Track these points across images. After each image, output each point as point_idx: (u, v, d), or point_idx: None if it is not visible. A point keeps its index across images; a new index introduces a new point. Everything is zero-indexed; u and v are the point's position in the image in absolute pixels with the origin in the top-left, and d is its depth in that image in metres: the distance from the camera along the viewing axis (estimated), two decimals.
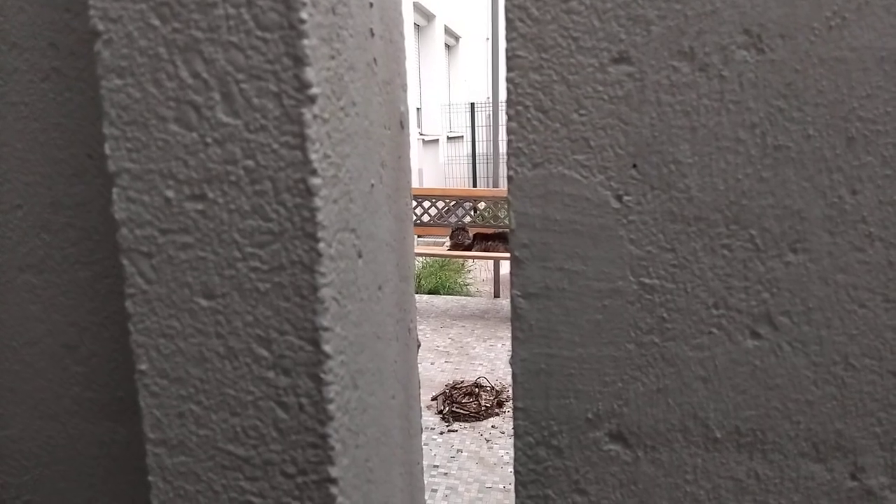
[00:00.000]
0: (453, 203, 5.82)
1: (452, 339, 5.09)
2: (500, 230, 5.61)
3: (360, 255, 0.59)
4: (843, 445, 0.66)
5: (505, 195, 5.77)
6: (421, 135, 11.75)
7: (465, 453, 3.61)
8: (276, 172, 0.49)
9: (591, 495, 0.71)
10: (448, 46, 14.19)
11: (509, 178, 0.67)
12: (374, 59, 0.65)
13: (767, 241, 0.64)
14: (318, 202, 0.49)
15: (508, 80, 0.65)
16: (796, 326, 0.65)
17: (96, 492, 0.83)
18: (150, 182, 0.51)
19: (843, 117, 0.61)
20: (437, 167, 12.75)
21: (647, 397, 0.68)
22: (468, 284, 7.07)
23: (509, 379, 4.47)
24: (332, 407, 0.53)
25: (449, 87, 14.23)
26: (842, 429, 0.66)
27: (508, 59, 0.65)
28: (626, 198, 0.65)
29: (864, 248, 0.63)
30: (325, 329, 0.52)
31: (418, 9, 11.41)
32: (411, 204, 0.84)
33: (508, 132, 0.66)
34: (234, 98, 0.49)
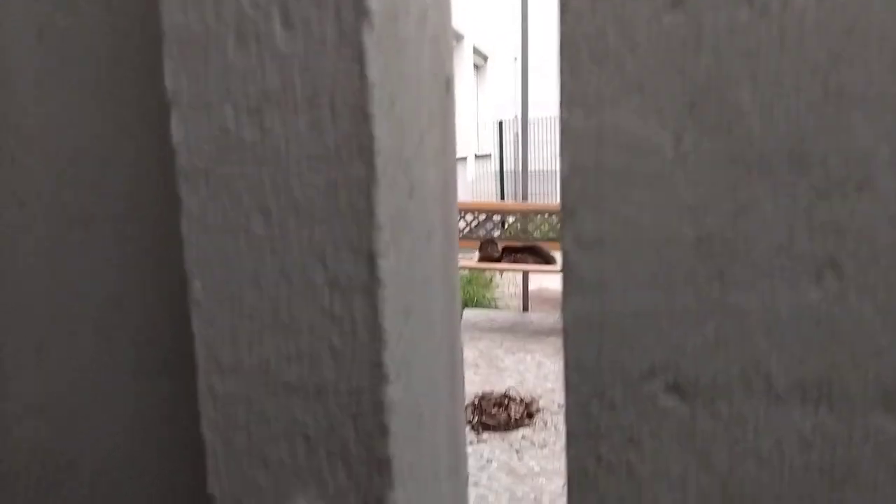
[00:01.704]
0: (483, 217, 5.82)
1: (481, 352, 5.06)
2: (529, 243, 5.59)
3: (410, 195, 0.59)
4: None
5: (534, 209, 5.76)
6: None
7: (494, 463, 3.56)
8: (334, 95, 0.50)
9: (646, 450, 0.69)
10: (476, 66, 14.31)
11: (562, 125, 0.66)
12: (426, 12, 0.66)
13: (831, 184, 0.62)
14: (374, 126, 0.49)
15: (561, 25, 0.65)
16: (862, 272, 0.63)
17: (139, 448, 0.83)
18: (208, 105, 0.52)
19: None
20: (464, 185, 12.80)
21: (705, 349, 0.67)
22: (497, 299, 7.04)
23: (539, 391, 4.43)
24: (386, 332, 0.52)
25: (477, 106, 14.33)
26: None
27: (562, 4, 0.65)
28: (683, 143, 0.64)
29: None
30: (380, 252, 0.51)
31: None
32: (456, 167, 0.84)
33: (561, 79, 0.66)
34: (293, 19, 0.49)
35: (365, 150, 0.49)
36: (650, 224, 0.66)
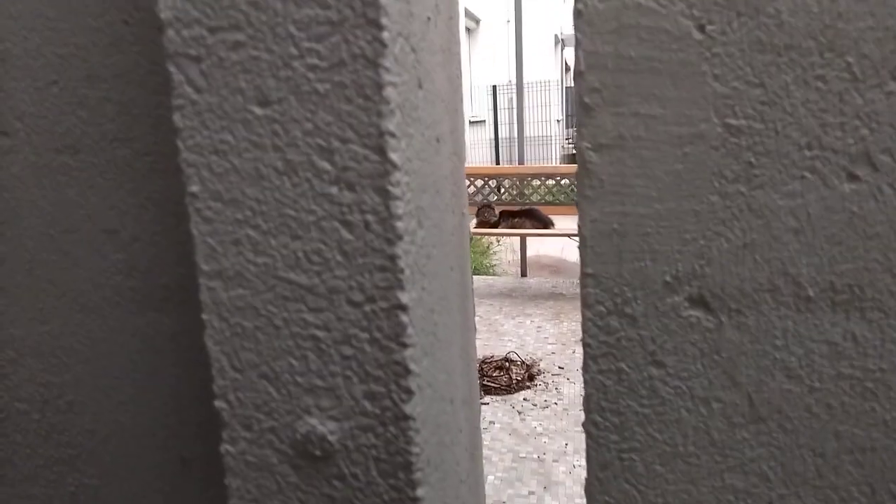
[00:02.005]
0: (478, 182, 5.76)
1: (481, 317, 5.04)
2: (527, 207, 5.54)
3: (420, 85, 0.54)
4: None
5: (530, 172, 5.70)
6: None
7: (497, 425, 3.56)
8: None
9: (670, 367, 0.66)
10: (468, 30, 14.09)
11: (577, 13, 0.61)
12: None
13: (866, 70, 0.58)
14: None
15: None
16: None
17: (140, 388, 0.79)
18: None
19: None
20: None
21: (731, 254, 0.63)
22: (495, 265, 7.01)
23: (539, 354, 4.42)
24: (400, 225, 0.48)
25: (470, 70, 14.14)
26: None
27: None
28: (709, 27, 0.59)
29: None
30: (392, 135, 0.47)
31: None
32: (461, 80, 0.79)
33: None
34: None
35: (370, 9, 0.44)
36: (674, 119, 0.61)
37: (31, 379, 0.81)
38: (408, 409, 0.50)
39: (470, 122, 13.44)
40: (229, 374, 0.52)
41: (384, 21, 0.45)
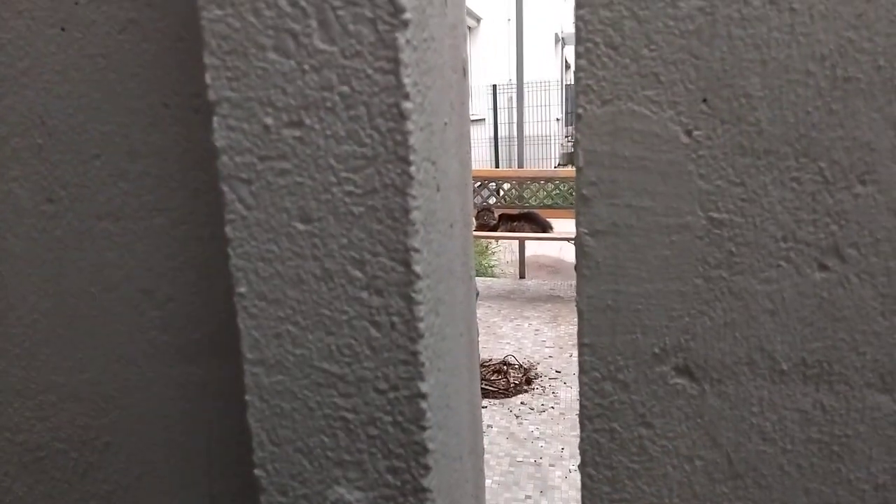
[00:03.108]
0: (478, 184, 5.82)
1: (479, 319, 5.11)
2: (526, 210, 5.60)
3: (438, 189, 0.61)
4: None
5: (530, 176, 5.76)
6: None
7: (495, 429, 3.63)
8: (371, 98, 0.51)
9: (657, 428, 0.73)
10: (469, 28, 14.12)
11: (578, 116, 0.68)
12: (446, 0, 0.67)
13: (836, 174, 0.65)
14: (409, 126, 0.51)
15: (578, 18, 0.66)
16: (864, 258, 0.66)
17: (173, 433, 0.86)
18: (250, 110, 0.53)
19: None
20: None
21: (714, 331, 0.70)
22: (493, 266, 7.08)
23: (537, 357, 4.49)
24: (421, 326, 0.55)
25: (470, 69, 14.17)
26: None
27: None
28: (695, 132, 0.66)
29: None
30: (416, 251, 0.54)
31: None
32: (470, 152, 0.86)
33: (577, 70, 0.67)
34: (331, 25, 0.51)
35: (401, 148, 0.51)
36: (663, 211, 0.68)
37: (70, 421, 0.88)
38: (425, 482, 0.57)
39: (470, 121, 13.48)
40: (268, 448, 0.60)
41: (412, 157, 0.52)
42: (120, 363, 0.85)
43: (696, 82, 0.65)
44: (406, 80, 0.51)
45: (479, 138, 13.61)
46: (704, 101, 0.66)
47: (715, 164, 0.66)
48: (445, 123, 0.64)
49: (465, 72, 0.78)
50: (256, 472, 0.60)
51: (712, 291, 0.69)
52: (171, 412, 0.85)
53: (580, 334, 0.74)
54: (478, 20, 14.60)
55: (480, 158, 13.41)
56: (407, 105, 0.51)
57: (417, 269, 0.54)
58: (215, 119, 0.54)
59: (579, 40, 0.67)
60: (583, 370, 0.74)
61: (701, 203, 0.67)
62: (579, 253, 0.72)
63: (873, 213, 0.65)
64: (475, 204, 5.79)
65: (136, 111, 0.78)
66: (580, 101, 0.68)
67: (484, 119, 13.78)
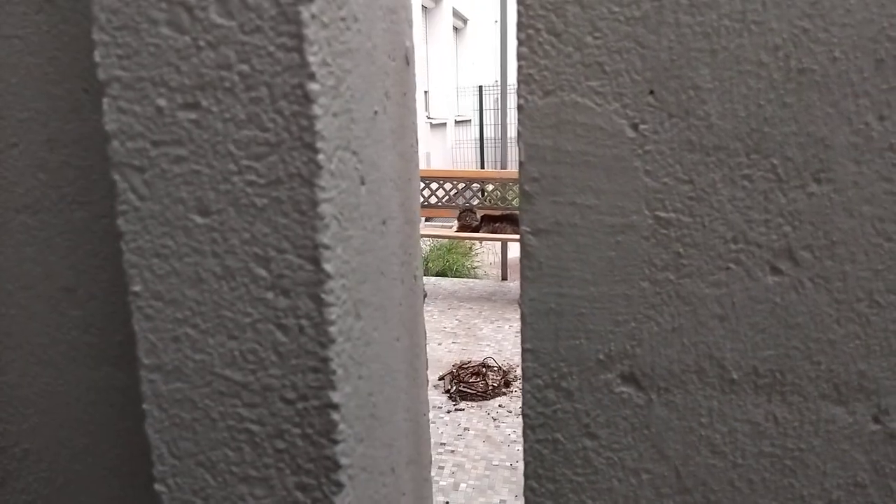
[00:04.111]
0: (461, 185, 5.78)
1: (460, 321, 5.07)
2: (508, 212, 5.57)
3: (362, 182, 0.56)
4: (865, 387, 0.63)
5: (513, 177, 5.73)
6: (429, 118, 11.69)
7: (472, 431, 3.60)
8: (273, 77, 0.47)
9: (602, 439, 0.69)
10: (456, 29, 14.08)
11: (519, 108, 0.64)
12: None
13: (790, 171, 0.61)
14: (316, 110, 0.47)
15: (519, 2, 0.62)
16: (819, 261, 0.62)
17: (94, 439, 0.81)
18: (142, 91, 0.49)
19: (872, 38, 0.58)
20: (444, 151, 12.69)
21: (661, 337, 0.66)
22: (476, 267, 7.04)
23: (517, 360, 4.47)
24: (333, 330, 0.50)
25: (457, 70, 14.14)
26: (865, 369, 0.63)
27: None
28: (642, 126, 0.62)
29: (891, 178, 0.60)
30: (326, 247, 0.49)
31: None
32: (417, 147, 0.81)
33: (519, 58, 0.63)
34: None
35: (307, 133, 0.47)
36: (608, 210, 0.64)
37: None
38: (337, 500, 0.52)
39: (456, 121, 13.45)
40: (168, 461, 0.55)
41: (319, 144, 0.47)
42: (39, 365, 0.80)
43: (643, 73, 0.61)
44: (311, 59, 0.46)
45: (465, 138, 13.57)
46: (651, 92, 0.62)
47: (662, 161, 0.63)
48: (376, 112, 0.60)
49: (407, 60, 0.74)
50: (157, 486, 0.55)
51: (659, 295, 0.65)
52: (94, 418, 0.80)
53: (523, 339, 0.69)
54: (464, 21, 14.58)
55: (466, 159, 13.37)
56: (313, 86, 0.47)
57: (328, 267, 0.49)
58: (105, 101, 0.50)
59: (520, 26, 0.63)
60: (525, 377, 0.70)
61: (647, 201, 0.63)
62: (522, 253, 0.68)
63: (828, 213, 0.61)
64: (458, 205, 5.75)
65: (55, 97, 0.73)
66: (521, 91, 0.64)
67: (470, 120, 13.75)
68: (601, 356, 0.67)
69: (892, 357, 0.63)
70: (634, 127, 0.62)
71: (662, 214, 0.63)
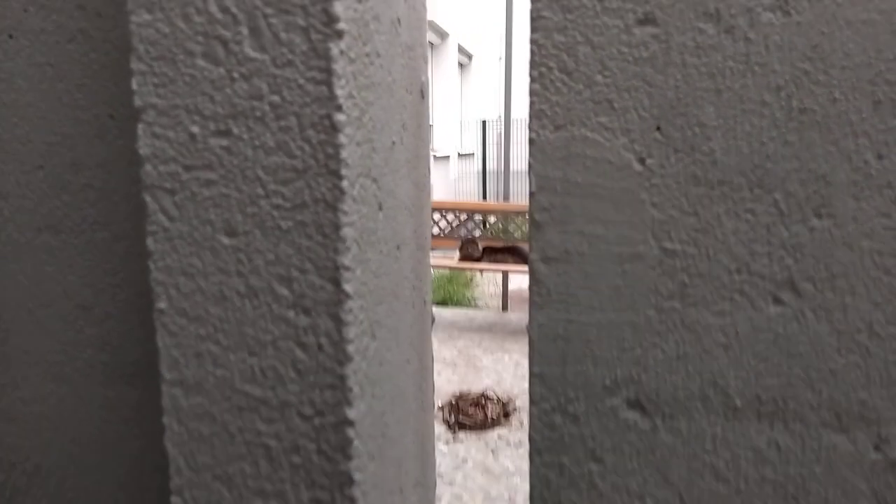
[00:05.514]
0: (464, 216, 5.82)
1: (460, 351, 5.07)
2: (510, 244, 5.61)
3: (380, 208, 0.59)
4: (866, 416, 0.65)
5: (515, 209, 5.78)
6: (432, 151, 11.81)
7: (470, 463, 3.57)
8: (302, 108, 0.49)
9: (607, 463, 0.70)
10: (461, 65, 14.30)
11: (531, 141, 0.67)
12: (398, 19, 0.65)
13: (791, 206, 0.63)
14: (342, 139, 0.49)
15: (532, 42, 0.65)
16: (820, 293, 0.64)
17: (105, 455, 0.82)
18: (176, 118, 0.51)
19: (870, 80, 0.61)
20: (447, 183, 12.79)
21: (666, 364, 0.68)
22: (476, 298, 7.05)
23: (516, 390, 4.45)
24: (350, 348, 0.52)
25: (461, 104, 14.33)
26: (865, 399, 0.65)
27: (533, 19, 0.65)
28: (648, 161, 0.65)
29: (889, 214, 0.62)
30: (347, 269, 0.51)
31: (432, 27, 11.53)
32: (429, 176, 0.84)
33: (531, 94, 0.66)
34: (262, 32, 0.49)
35: (332, 161, 0.49)
36: (615, 239, 0.66)
37: None
38: None
39: (459, 154, 13.58)
40: (185, 474, 0.56)
41: (344, 171, 0.50)
42: (54, 382, 0.81)
43: (650, 110, 0.64)
44: (339, 92, 0.49)
45: (469, 171, 13.69)
46: (658, 129, 0.64)
47: (668, 193, 0.65)
48: (394, 142, 0.63)
49: (423, 94, 0.77)
50: (173, 499, 0.56)
51: (664, 323, 0.67)
52: (105, 435, 0.81)
53: (531, 363, 0.71)
54: (470, 57, 14.81)
55: (469, 191, 13.48)
56: (339, 117, 0.49)
57: (348, 287, 0.51)
58: (140, 126, 0.52)
59: (533, 65, 0.66)
60: (532, 401, 0.71)
61: (654, 232, 0.66)
62: (532, 280, 0.70)
63: (829, 247, 0.64)
64: (460, 236, 5.79)
65: (81, 122, 0.76)
66: (533, 125, 0.66)
67: (473, 153, 13.90)
68: (607, 382, 0.69)
69: (892, 387, 0.64)
70: (641, 161, 0.65)
71: (668, 245, 0.66)
